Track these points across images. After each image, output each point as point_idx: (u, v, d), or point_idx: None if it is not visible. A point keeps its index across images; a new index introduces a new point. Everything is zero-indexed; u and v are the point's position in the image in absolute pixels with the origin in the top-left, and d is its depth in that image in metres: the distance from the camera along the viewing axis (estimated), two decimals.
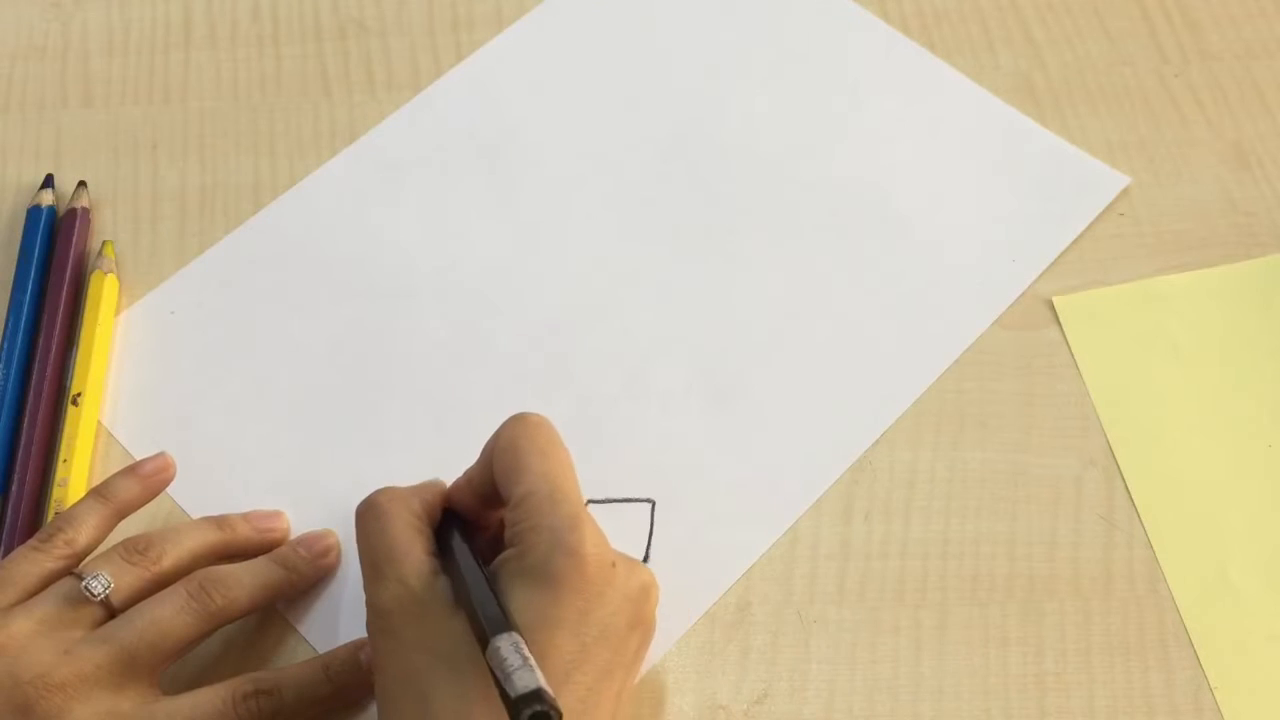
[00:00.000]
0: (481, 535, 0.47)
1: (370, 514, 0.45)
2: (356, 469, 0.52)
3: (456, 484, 0.47)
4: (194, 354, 0.55)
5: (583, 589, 0.41)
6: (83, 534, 0.45)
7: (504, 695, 0.36)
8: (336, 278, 0.57)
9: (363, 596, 0.45)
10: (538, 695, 0.36)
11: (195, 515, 0.50)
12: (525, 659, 0.37)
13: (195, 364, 0.54)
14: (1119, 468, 0.52)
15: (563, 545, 0.41)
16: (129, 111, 0.61)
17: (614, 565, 0.42)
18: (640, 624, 0.43)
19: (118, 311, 0.55)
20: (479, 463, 0.46)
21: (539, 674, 0.36)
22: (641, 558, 0.46)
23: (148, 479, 0.48)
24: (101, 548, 0.46)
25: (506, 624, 0.39)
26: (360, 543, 0.45)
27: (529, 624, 0.40)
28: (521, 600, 0.40)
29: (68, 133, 0.60)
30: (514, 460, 0.43)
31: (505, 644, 0.37)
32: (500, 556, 0.42)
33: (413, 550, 0.43)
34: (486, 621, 0.39)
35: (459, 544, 0.44)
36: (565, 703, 0.39)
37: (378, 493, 0.45)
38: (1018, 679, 0.48)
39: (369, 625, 0.43)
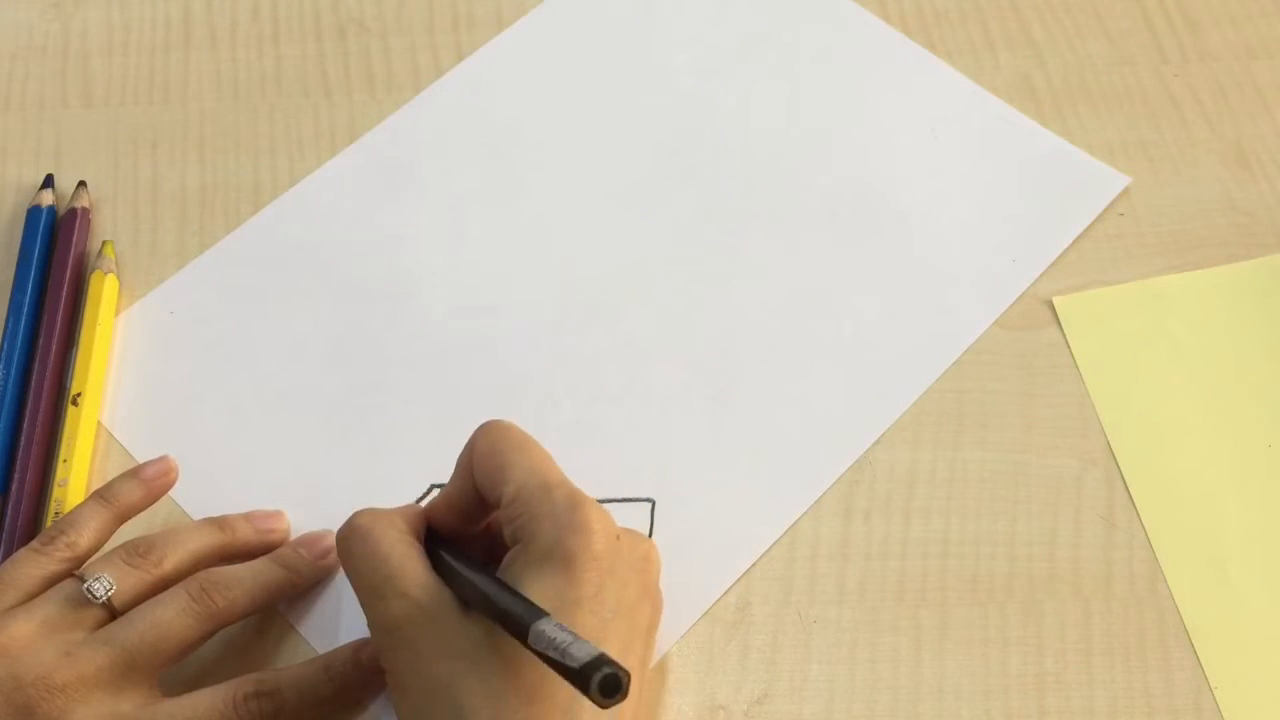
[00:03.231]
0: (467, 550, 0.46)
1: (355, 536, 0.43)
2: (357, 469, 0.52)
3: (433, 505, 0.46)
4: (194, 354, 0.55)
5: (594, 564, 0.40)
6: (84, 537, 0.45)
7: (566, 670, 0.36)
8: (336, 278, 0.56)
9: None
10: (604, 659, 0.35)
11: (195, 515, 0.50)
12: (573, 634, 0.37)
13: (195, 364, 0.54)
14: (1119, 468, 0.52)
15: (569, 525, 0.41)
16: (129, 111, 0.61)
17: (619, 538, 0.42)
18: (648, 593, 0.43)
19: (118, 311, 0.55)
20: (455, 478, 0.45)
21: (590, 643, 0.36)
22: None
23: (150, 482, 0.48)
24: (103, 550, 0.46)
25: (539, 609, 0.38)
26: (349, 567, 0.43)
27: (549, 610, 0.39)
28: (536, 588, 0.40)
29: (68, 133, 0.60)
30: (497, 461, 0.43)
31: (548, 625, 0.37)
32: (508, 555, 0.42)
33: (409, 563, 0.42)
34: (517, 612, 0.38)
35: (454, 553, 0.43)
36: None
37: (357, 515, 0.44)
38: (1018, 679, 0.48)
39: (379, 647, 0.43)
